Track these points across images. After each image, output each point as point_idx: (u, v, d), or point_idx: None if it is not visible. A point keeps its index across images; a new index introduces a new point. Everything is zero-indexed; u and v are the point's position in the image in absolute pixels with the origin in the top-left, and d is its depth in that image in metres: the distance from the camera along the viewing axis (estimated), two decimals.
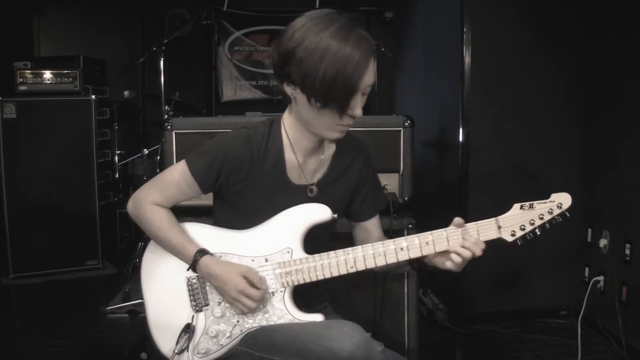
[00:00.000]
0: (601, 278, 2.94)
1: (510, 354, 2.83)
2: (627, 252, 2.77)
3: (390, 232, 2.04)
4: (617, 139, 2.89)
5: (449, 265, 1.46)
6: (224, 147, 1.51)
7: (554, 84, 3.12)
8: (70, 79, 3.90)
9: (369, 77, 1.38)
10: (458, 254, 1.43)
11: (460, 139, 3.10)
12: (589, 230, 3.09)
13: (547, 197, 1.47)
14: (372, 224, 1.72)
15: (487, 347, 2.95)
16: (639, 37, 2.69)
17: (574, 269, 3.18)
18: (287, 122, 1.54)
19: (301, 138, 1.52)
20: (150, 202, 1.54)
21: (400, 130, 2.21)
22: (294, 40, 1.38)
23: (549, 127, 3.14)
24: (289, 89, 1.44)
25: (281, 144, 1.53)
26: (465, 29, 3.04)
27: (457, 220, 1.46)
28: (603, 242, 2.95)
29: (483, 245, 1.44)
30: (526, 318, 3.17)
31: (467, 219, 3.27)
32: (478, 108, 3.08)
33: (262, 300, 1.48)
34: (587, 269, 3.12)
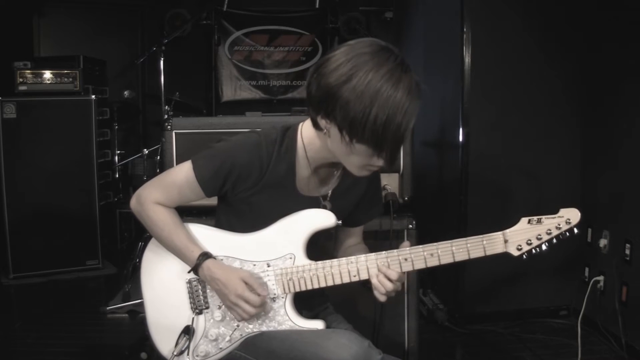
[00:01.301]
0: (601, 278, 2.94)
1: (510, 354, 2.83)
2: (627, 252, 2.76)
3: (390, 232, 2.04)
4: (616, 138, 2.89)
5: (375, 293, 1.44)
6: (232, 153, 1.45)
7: (554, 84, 3.12)
8: (70, 79, 3.90)
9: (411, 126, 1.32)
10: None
11: (460, 139, 3.10)
12: (589, 230, 3.08)
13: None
14: (355, 230, 1.71)
15: (487, 347, 2.95)
16: (639, 37, 2.69)
17: (574, 269, 3.18)
18: (307, 135, 1.46)
19: (319, 154, 1.46)
20: (153, 201, 1.51)
21: None
22: (338, 77, 1.27)
23: (549, 126, 3.14)
24: (323, 122, 1.34)
25: (294, 155, 1.47)
26: (465, 29, 3.04)
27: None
28: (603, 242, 2.95)
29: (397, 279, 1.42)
30: (526, 318, 3.17)
31: (468, 219, 3.27)
32: (478, 108, 3.08)
33: (261, 307, 1.45)
34: (587, 269, 3.12)
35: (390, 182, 2.21)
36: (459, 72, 3.09)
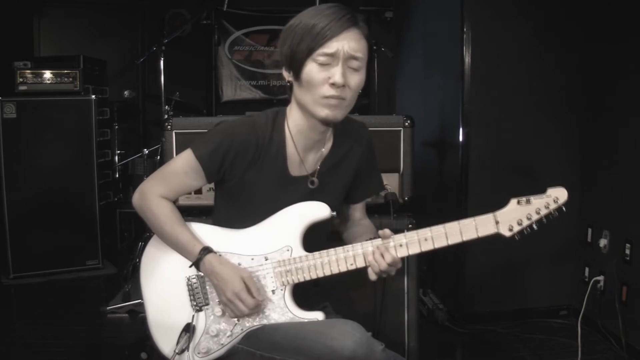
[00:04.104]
0: (601, 278, 2.94)
1: (510, 354, 2.83)
2: (627, 252, 2.76)
3: None
4: (616, 138, 2.89)
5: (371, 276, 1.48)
6: (229, 132, 1.51)
7: (554, 84, 3.12)
8: (70, 79, 3.90)
9: (340, 45, 1.39)
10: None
11: (460, 138, 3.10)
12: (589, 230, 3.08)
13: (544, 192, 1.48)
14: (358, 206, 1.74)
15: (487, 347, 2.95)
16: (638, 36, 2.69)
17: (574, 269, 3.18)
18: (290, 115, 1.54)
19: (303, 131, 1.52)
20: (156, 195, 1.54)
21: (400, 130, 2.21)
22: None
23: (549, 126, 3.14)
24: (285, 73, 1.49)
25: (283, 136, 1.53)
26: (465, 29, 3.04)
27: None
28: (603, 242, 2.95)
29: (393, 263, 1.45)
30: (526, 318, 3.17)
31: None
32: (478, 108, 3.08)
33: (254, 309, 1.47)
34: (587, 269, 3.12)
35: (390, 182, 2.21)
36: (459, 72, 3.09)
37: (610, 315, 2.83)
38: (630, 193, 2.77)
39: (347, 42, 1.40)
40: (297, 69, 1.43)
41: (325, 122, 1.47)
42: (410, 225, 2.17)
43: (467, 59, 3.04)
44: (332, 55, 1.39)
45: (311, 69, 1.41)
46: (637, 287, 2.72)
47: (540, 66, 3.09)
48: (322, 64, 1.40)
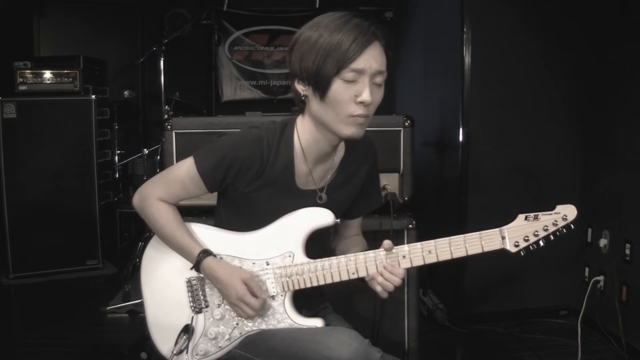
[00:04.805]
0: (601, 278, 2.94)
1: (510, 354, 2.83)
2: (627, 252, 2.76)
3: (391, 232, 2.04)
4: (617, 138, 2.89)
5: (378, 289, 1.46)
6: (234, 147, 1.47)
7: (554, 84, 3.12)
8: (70, 79, 3.90)
9: (367, 61, 1.35)
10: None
11: (460, 139, 3.10)
12: (589, 230, 3.08)
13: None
14: (354, 222, 1.72)
15: (487, 347, 2.95)
16: (638, 35, 2.69)
17: (574, 269, 3.18)
18: (301, 127, 1.49)
19: (314, 145, 1.48)
20: (156, 198, 1.53)
21: (400, 130, 2.21)
22: (296, 35, 1.42)
23: (549, 126, 3.14)
24: (300, 87, 1.43)
25: (292, 150, 1.49)
26: (465, 29, 3.04)
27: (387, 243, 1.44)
28: (603, 242, 2.95)
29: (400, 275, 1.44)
30: (526, 318, 3.17)
31: (467, 219, 3.27)
32: (478, 108, 3.08)
33: (260, 309, 1.47)
34: (587, 269, 3.12)
35: (390, 182, 2.21)
36: (459, 72, 3.09)
37: (610, 315, 2.83)
38: (630, 193, 2.77)
39: (374, 58, 1.37)
40: (323, 87, 1.37)
41: (349, 140, 1.46)
42: (410, 226, 2.17)
43: (467, 59, 3.04)
44: (359, 72, 1.36)
45: (337, 87, 1.36)
46: (637, 287, 2.72)
47: (541, 66, 3.09)
48: (348, 81, 1.36)
